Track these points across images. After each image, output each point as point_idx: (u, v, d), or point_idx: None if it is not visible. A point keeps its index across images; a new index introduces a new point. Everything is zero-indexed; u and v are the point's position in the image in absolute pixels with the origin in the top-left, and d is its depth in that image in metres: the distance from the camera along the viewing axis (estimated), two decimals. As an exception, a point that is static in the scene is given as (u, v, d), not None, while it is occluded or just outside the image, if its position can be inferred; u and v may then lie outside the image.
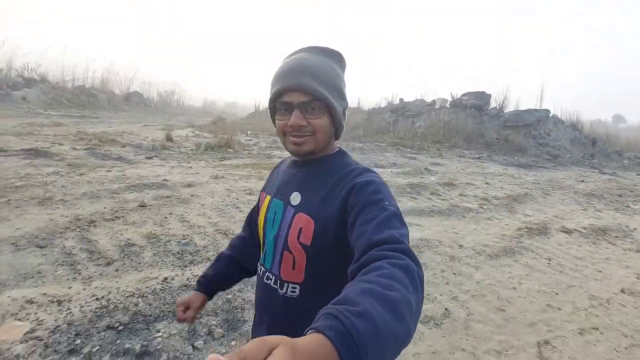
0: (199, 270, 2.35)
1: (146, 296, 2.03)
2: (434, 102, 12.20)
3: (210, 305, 1.98)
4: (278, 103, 0.69)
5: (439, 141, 10.29)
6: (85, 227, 2.80)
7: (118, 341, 1.67)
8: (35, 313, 1.82)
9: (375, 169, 4.10)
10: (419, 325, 2.11)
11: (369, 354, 0.35)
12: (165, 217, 3.18)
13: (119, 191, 3.68)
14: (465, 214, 4.35)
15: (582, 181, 7.43)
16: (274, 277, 0.73)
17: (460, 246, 3.34)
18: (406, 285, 0.45)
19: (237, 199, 3.91)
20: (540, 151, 9.86)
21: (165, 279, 2.22)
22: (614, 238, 4.08)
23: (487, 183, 6.23)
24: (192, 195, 3.83)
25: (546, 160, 9.41)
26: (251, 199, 3.97)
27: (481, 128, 10.76)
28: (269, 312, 0.76)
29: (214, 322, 1.90)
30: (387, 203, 0.61)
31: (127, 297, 2.01)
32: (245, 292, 2.18)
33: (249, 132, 10.49)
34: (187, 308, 0.85)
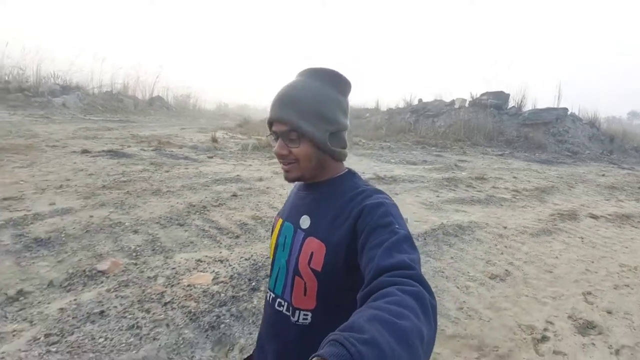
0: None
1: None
2: (453, 102, 12.81)
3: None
4: (271, 132, 0.74)
5: (460, 139, 10.90)
6: (201, 211, 3.50)
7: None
8: (209, 267, 2.51)
9: (407, 166, 5.17)
10: (487, 278, 2.76)
11: None
12: (257, 204, 3.87)
13: (207, 184, 4.38)
14: (501, 203, 4.97)
15: (603, 175, 7.99)
16: (286, 304, 0.73)
17: (505, 227, 3.98)
18: (417, 313, 0.43)
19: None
20: (560, 148, 10.42)
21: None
22: (637, 223, 4.68)
23: (514, 177, 6.84)
24: (267, 187, 4.52)
25: (566, 156, 9.97)
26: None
27: (501, 126, 11.34)
28: (278, 338, 0.75)
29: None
30: (397, 226, 0.61)
31: (265, 257, 2.69)
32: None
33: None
34: None
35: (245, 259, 2.66)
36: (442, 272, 2.81)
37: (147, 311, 1.98)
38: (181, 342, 1.80)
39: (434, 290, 1.74)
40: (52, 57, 15.22)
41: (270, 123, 0.73)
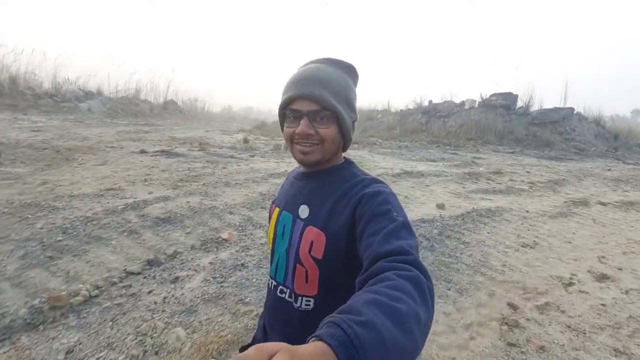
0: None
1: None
2: (463, 103, 13.59)
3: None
4: (288, 110, 0.73)
5: (472, 138, 11.66)
6: (272, 198, 4.22)
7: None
8: None
9: (428, 163, 6.31)
10: (519, 247, 3.47)
11: None
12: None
13: (265, 177, 5.10)
14: (520, 193, 5.70)
15: (609, 170, 8.74)
16: (288, 291, 0.76)
17: (527, 211, 4.71)
18: (414, 297, 0.45)
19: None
20: (567, 145, 11.18)
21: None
22: (641, 208, 5.41)
23: (528, 172, 7.58)
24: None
25: (573, 153, 10.73)
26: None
27: (510, 126, 12.11)
28: (282, 326, 0.79)
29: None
30: (395, 214, 0.63)
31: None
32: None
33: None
34: None
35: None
36: (484, 242, 3.53)
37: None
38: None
39: (481, 255, 2.58)
40: (68, 63, 15.96)
41: (290, 101, 0.71)
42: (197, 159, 6.10)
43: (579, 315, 2.41)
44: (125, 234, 3.02)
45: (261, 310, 1.23)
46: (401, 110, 15.38)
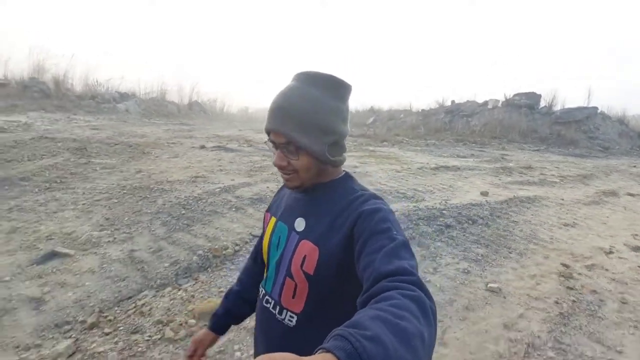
0: (424, 204, 4.35)
1: (440, 210, 4.06)
2: (486, 102, 14.11)
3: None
4: (269, 140, 0.76)
5: (496, 137, 12.18)
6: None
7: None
8: None
9: (459, 159, 7.17)
10: (562, 225, 4.05)
11: None
12: (371, 182, 5.23)
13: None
14: (553, 184, 6.26)
15: (634, 167, 9.19)
16: (273, 302, 0.78)
17: (562, 199, 5.27)
18: (418, 317, 0.46)
19: (398, 172, 5.94)
20: (592, 144, 11.62)
21: (425, 206, 4.26)
22: (668, 198, 5.93)
23: (556, 167, 8.10)
24: (366, 172, 5.88)
25: (598, 151, 11.17)
26: (398, 175, 5.98)
27: (534, 125, 12.59)
28: (265, 334, 0.82)
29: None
30: (395, 232, 0.64)
31: (432, 209, 4.03)
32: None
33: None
34: (195, 351, 0.94)
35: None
36: (530, 221, 4.13)
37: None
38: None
39: (530, 231, 3.26)
40: (97, 65, 16.95)
41: (268, 132, 0.75)
42: (252, 153, 6.81)
43: (620, 273, 3.00)
44: (233, 209, 3.71)
45: None
46: (423, 110, 15.94)
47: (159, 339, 1.96)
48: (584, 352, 2.00)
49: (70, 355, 1.82)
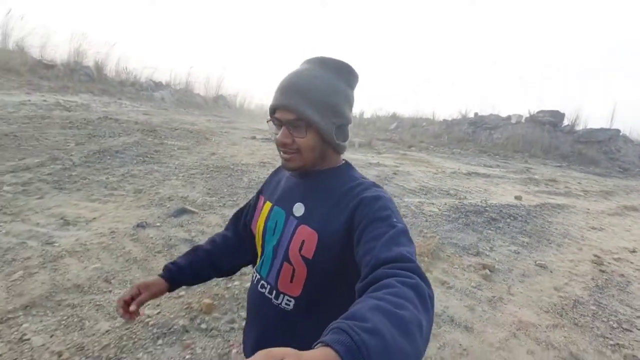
0: (467, 201, 5.01)
1: (483, 207, 4.72)
2: (509, 117, 14.73)
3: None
4: (272, 118, 0.77)
5: (519, 151, 12.80)
6: (386, 181, 5.55)
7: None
8: (429, 205, 4.53)
9: (486, 168, 8.12)
10: (590, 229, 4.69)
11: None
12: (402, 182, 5.90)
13: (365, 166, 6.45)
14: (578, 197, 6.89)
15: (653, 188, 9.77)
16: (269, 287, 0.79)
17: (588, 209, 5.91)
18: (416, 304, 0.47)
19: (435, 174, 6.61)
20: (612, 164, 12.19)
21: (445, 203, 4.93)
22: (685, 217, 6.53)
23: (579, 182, 8.72)
24: (407, 171, 6.56)
25: (617, 172, 11.74)
26: (436, 176, 6.64)
27: (556, 142, 13.19)
28: (259, 320, 0.82)
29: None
30: (395, 220, 0.66)
31: (476, 206, 4.70)
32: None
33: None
34: (132, 299, 0.82)
35: (442, 205, 4.68)
36: (562, 223, 4.77)
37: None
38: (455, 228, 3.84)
39: (563, 229, 4.09)
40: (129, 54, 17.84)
41: (274, 109, 0.76)
42: (300, 147, 7.54)
43: (643, 266, 3.64)
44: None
45: None
46: (445, 120, 16.59)
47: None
48: (617, 310, 2.66)
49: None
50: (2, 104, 7.33)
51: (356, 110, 20.66)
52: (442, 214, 4.23)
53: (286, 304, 0.76)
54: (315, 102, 0.73)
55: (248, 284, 0.97)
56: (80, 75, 12.89)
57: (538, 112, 14.04)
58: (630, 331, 2.40)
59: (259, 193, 0.92)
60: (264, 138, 7.93)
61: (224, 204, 3.72)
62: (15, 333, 1.88)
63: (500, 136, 14.08)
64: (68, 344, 1.79)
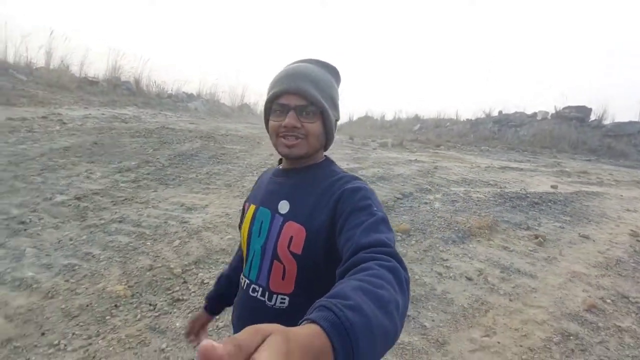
0: (507, 190, 5.59)
1: (524, 194, 5.32)
2: (534, 114, 15.13)
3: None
4: (275, 105, 0.79)
5: (547, 147, 13.19)
6: (430, 174, 6.19)
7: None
8: (478, 192, 5.14)
9: (517, 163, 8.89)
10: (626, 211, 5.19)
11: (361, 345, 0.40)
12: (446, 174, 6.51)
13: (406, 163, 7.10)
14: (610, 186, 7.35)
15: (686, 178, 10.05)
16: (261, 289, 0.81)
17: (621, 196, 6.39)
18: (394, 285, 0.51)
19: (471, 169, 7.20)
20: (642, 157, 12.45)
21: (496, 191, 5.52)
22: None
23: (610, 174, 9.12)
24: (435, 167, 7.17)
25: (648, 164, 12.01)
26: (473, 171, 7.21)
27: (584, 137, 13.52)
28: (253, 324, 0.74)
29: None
30: (375, 209, 0.70)
31: (517, 193, 5.30)
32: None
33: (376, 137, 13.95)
34: (192, 329, 1.07)
35: (486, 193, 5.28)
36: (598, 206, 5.30)
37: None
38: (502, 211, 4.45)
39: (600, 211, 4.77)
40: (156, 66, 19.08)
41: (278, 95, 0.78)
42: (348, 145, 8.24)
43: (677, 238, 4.17)
44: (380, 183, 5.10)
45: None
46: (469, 119, 17.07)
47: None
48: (654, 268, 3.23)
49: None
50: (70, 118, 8.35)
51: (376, 112, 21.34)
52: (488, 200, 4.85)
53: (281, 302, 0.79)
54: (324, 92, 0.79)
55: None
56: (122, 90, 14.02)
57: (564, 108, 14.40)
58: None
59: (245, 201, 0.95)
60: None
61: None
62: (196, 279, 2.62)
63: (526, 133, 14.48)
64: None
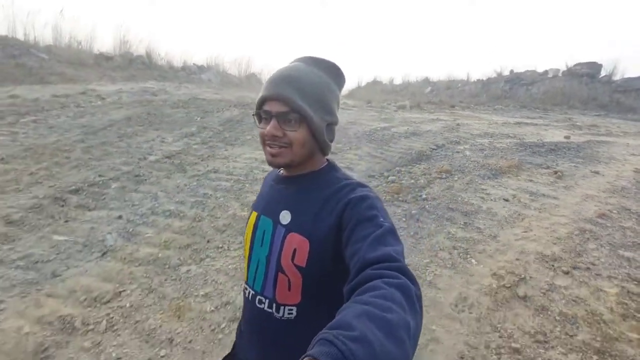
0: (525, 140, 6.36)
1: (541, 143, 6.10)
2: (546, 72, 15.60)
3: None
4: (261, 111, 0.78)
5: (557, 104, 13.81)
6: (454, 127, 6.94)
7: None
8: (502, 142, 5.93)
9: (529, 119, 9.95)
10: (631, 155, 5.99)
11: None
12: (477, 130, 7.26)
13: (431, 121, 7.84)
14: (618, 136, 8.11)
15: (691, 128, 10.78)
16: (267, 301, 0.80)
17: (627, 143, 7.16)
18: (403, 306, 0.49)
19: (489, 125, 7.93)
20: (650, 110, 13.09)
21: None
22: None
23: (618, 127, 9.86)
24: (457, 124, 7.90)
25: (656, 117, 12.68)
26: (491, 127, 7.95)
27: (594, 93, 14.10)
28: (262, 337, 0.83)
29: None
30: (381, 219, 0.68)
31: (534, 142, 6.08)
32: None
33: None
34: None
35: (508, 143, 6.06)
36: (606, 152, 6.10)
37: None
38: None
39: (608, 154, 5.65)
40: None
41: (263, 101, 0.77)
42: (369, 109, 8.94)
43: (674, 172, 4.99)
44: (403, 138, 5.87)
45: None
46: (480, 79, 17.54)
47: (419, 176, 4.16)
48: (652, 192, 4.08)
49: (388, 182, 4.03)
50: (106, 93, 9.04)
51: (385, 77, 21.70)
52: (511, 148, 5.64)
53: (288, 314, 0.78)
54: (309, 96, 0.75)
55: None
56: (137, 64, 14.49)
57: (575, 65, 14.87)
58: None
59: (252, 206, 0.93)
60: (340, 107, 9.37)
61: (350, 147, 5.24)
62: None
63: (537, 91, 15.04)
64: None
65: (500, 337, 1.91)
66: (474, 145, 5.70)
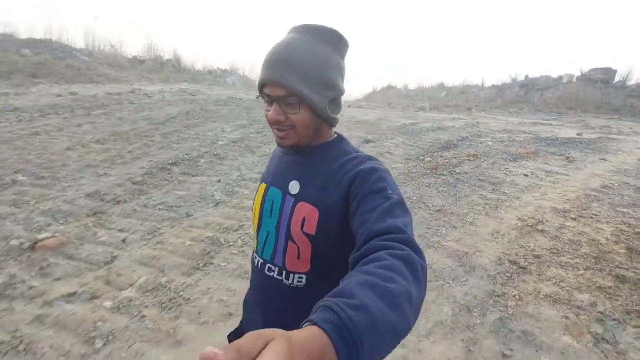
0: (542, 135, 7.19)
1: (556, 139, 6.94)
2: (560, 77, 16.40)
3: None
4: (263, 94, 0.79)
5: (572, 108, 14.59)
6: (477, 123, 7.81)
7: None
8: (520, 136, 6.78)
9: (544, 121, 11.07)
10: (638, 149, 6.79)
11: (366, 346, 0.41)
12: (497, 127, 8.12)
13: (459, 118, 8.71)
14: (629, 135, 8.89)
15: (702, 131, 11.48)
16: (277, 269, 0.84)
17: (637, 141, 7.94)
18: (406, 276, 0.51)
19: (507, 125, 8.77)
20: (664, 114, 13.80)
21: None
22: None
23: (630, 128, 10.61)
24: (487, 123, 8.76)
25: (669, 121, 13.38)
26: (509, 126, 8.78)
27: (608, 98, 14.86)
28: (271, 305, 0.87)
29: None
30: (390, 192, 0.70)
31: (550, 137, 6.92)
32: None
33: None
34: None
35: (525, 137, 6.91)
36: (615, 146, 6.90)
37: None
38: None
39: (617, 147, 6.56)
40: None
41: (263, 85, 0.78)
42: (391, 109, 9.86)
43: (674, 162, 5.79)
44: (430, 131, 6.75)
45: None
46: (495, 85, 18.40)
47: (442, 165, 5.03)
48: (651, 173, 4.89)
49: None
50: (151, 92, 10.11)
51: (400, 83, 22.65)
52: (527, 141, 6.49)
53: (298, 281, 0.82)
54: (307, 76, 0.74)
55: None
56: (168, 68, 15.66)
57: (590, 71, 15.66)
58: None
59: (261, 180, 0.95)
60: (358, 106, 10.29)
61: (386, 138, 6.14)
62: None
63: (552, 96, 15.84)
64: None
65: (525, 250, 2.77)
66: (495, 139, 6.56)
